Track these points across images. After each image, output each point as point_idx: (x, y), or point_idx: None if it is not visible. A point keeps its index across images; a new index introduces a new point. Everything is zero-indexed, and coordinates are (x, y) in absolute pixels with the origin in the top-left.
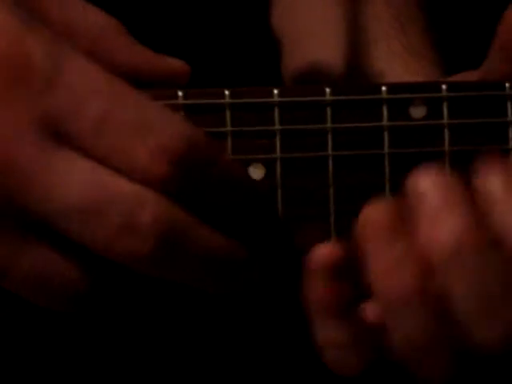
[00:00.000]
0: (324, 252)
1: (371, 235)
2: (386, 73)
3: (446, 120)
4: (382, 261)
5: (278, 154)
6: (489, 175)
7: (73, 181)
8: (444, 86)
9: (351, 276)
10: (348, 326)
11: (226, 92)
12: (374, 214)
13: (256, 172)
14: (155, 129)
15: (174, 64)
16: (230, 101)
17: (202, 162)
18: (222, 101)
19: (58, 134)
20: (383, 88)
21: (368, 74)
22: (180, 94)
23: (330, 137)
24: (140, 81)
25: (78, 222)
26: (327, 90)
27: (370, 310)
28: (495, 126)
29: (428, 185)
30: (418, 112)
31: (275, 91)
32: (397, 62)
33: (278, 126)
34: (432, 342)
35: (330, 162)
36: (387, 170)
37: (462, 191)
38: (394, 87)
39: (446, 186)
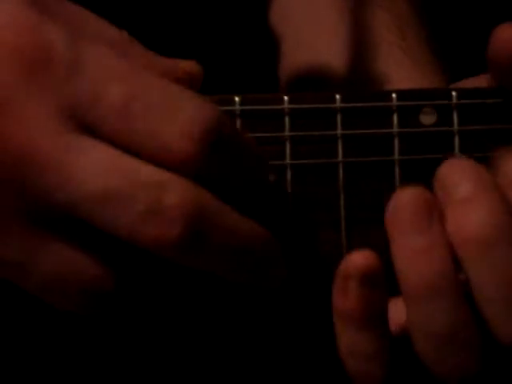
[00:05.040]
0: (360, 259)
1: (402, 219)
2: (387, 78)
3: (456, 127)
4: (411, 245)
5: (288, 160)
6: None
7: (94, 167)
8: (454, 93)
9: (383, 286)
10: (375, 338)
11: (236, 99)
12: (407, 199)
13: None
14: (182, 108)
15: (188, 66)
16: (240, 108)
17: (229, 140)
18: (232, 107)
19: (82, 122)
20: (393, 95)
21: (370, 78)
22: None
23: (340, 143)
24: None
25: (100, 209)
26: (337, 96)
27: (396, 312)
28: (506, 132)
29: (457, 174)
30: (428, 119)
31: (285, 98)
32: (398, 67)
33: (288, 133)
34: (457, 335)
35: (341, 169)
36: (397, 176)
37: (490, 180)
38: (404, 94)
39: (475, 175)
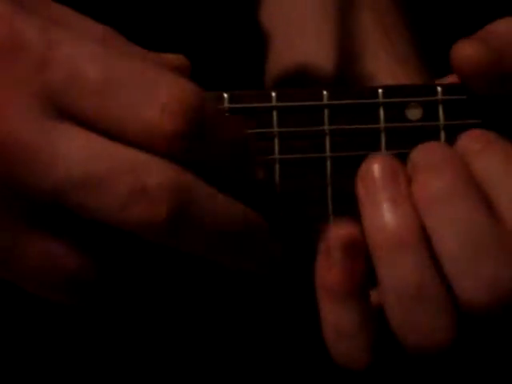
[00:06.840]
0: (341, 230)
1: (370, 179)
2: (374, 77)
3: (441, 121)
4: (378, 201)
5: (277, 155)
6: (470, 139)
7: (76, 154)
8: (439, 89)
9: (365, 259)
10: (360, 312)
11: (225, 95)
12: (376, 161)
13: None
14: (161, 86)
15: (175, 60)
16: (229, 105)
17: (212, 117)
18: (221, 106)
19: (59, 109)
20: (380, 91)
21: (356, 78)
22: None
23: (327, 139)
24: None
25: (84, 195)
26: (324, 93)
27: (375, 295)
28: (490, 126)
29: (423, 150)
30: (414, 114)
31: (273, 94)
32: (383, 66)
33: (276, 129)
34: (425, 294)
35: (328, 164)
36: None
37: (455, 154)
38: (390, 90)
39: (440, 148)
